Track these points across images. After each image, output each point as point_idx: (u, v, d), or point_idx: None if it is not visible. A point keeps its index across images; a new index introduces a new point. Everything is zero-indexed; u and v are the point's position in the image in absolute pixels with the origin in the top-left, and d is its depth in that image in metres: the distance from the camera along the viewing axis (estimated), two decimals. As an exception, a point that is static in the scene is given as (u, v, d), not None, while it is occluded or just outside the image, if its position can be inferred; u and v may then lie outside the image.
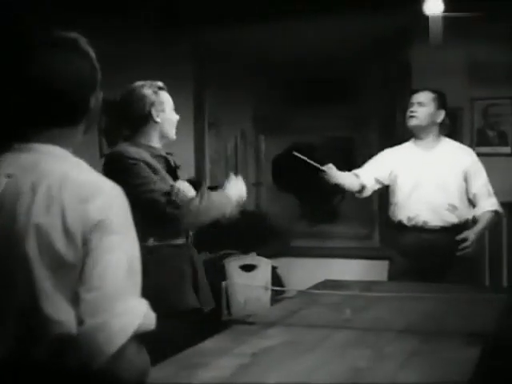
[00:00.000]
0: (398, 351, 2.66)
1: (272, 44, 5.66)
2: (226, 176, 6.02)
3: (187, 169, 5.88)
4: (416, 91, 4.32)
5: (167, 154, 3.32)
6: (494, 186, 4.34)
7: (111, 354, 1.48)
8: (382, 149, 5.54)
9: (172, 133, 3.32)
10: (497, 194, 4.39)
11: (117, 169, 3.07)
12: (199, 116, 6.02)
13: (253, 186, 6.26)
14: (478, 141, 5.39)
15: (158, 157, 3.23)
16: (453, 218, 4.18)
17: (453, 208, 4.17)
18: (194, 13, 5.63)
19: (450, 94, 5.17)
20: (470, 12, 4.95)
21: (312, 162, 3.93)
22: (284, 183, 6.21)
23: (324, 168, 4.13)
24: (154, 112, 3.22)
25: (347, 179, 4.25)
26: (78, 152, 1.95)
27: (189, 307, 3.18)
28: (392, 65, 5.61)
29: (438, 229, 4.16)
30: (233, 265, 5.01)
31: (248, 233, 5.36)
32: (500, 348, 2.92)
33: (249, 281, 4.97)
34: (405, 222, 4.22)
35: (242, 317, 3.28)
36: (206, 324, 3.15)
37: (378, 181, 4.33)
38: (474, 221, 4.17)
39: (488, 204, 4.20)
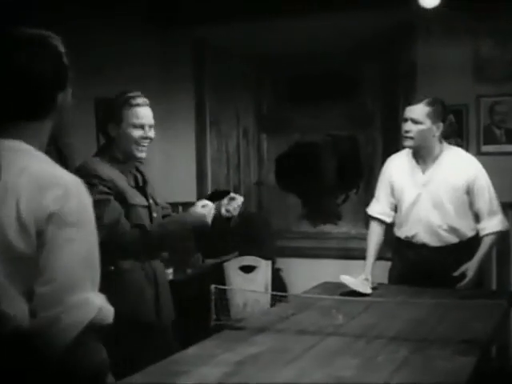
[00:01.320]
0: (387, 360, 2.56)
1: (274, 41, 5.54)
2: (228, 175, 6.03)
3: (188, 168, 5.85)
4: (410, 103, 4.01)
5: (137, 169, 3.21)
6: (501, 186, 4.18)
7: (65, 346, 1.47)
8: (385, 147, 5.50)
9: (134, 151, 3.09)
10: (504, 193, 4.25)
11: None
12: (200, 114, 5.91)
13: (255, 186, 6.18)
14: (484, 139, 5.26)
15: (126, 172, 3.14)
16: (453, 239, 3.96)
17: (452, 229, 3.95)
18: (194, 10, 5.55)
19: (455, 92, 5.09)
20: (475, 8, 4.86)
21: (356, 289, 3.67)
22: (287, 182, 6.10)
23: (368, 291, 3.73)
24: (110, 125, 3.09)
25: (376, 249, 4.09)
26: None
27: (144, 321, 3.11)
28: (396, 62, 5.46)
29: (438, 248, 3.97)
30: (232, 266, 4.92)
31: (248, 234, 5.27)
32: (496, 355, 2.81)
33: (248, 282, 4.89)
34: (403, 238, 4.08)
35: (232, 322, 3.19)
36: (194, 329, 3.07)
37: (393, 209, 4.13)
38: (479, 238, 3.95)
39: (491, 224, 3.92)
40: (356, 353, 2.66)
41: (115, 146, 3.10)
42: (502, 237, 4.07)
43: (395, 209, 4.13)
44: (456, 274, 3.74)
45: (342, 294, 3.65)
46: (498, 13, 4.94)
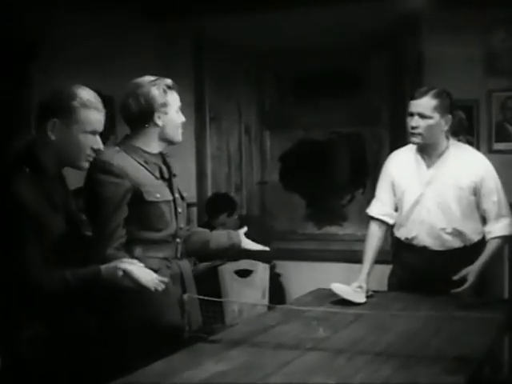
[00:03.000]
0: (367, 380, 2.32)
1: (277, 35, 5.35)
2: (229, 174, 5.83)
3: (187, 167, 5.64)
4: (414, 97, 3.63)
5: (164, 161, 3.03)
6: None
7: None
8: (392, 145, 5.24)
9: (176, 136, 3.00)
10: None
11: (90, 179, 2.85)
12: (200, 110, 5.74)
13: (257, 185, 5.98)
14: (496, 136, 5.02)
15: (151, 164, 2.95)
16: (457, 243, 3.68)
17: (457, 233, 3.67)
18: (194, 3, 5.36)
19: (465, 86, 4.88)
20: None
21: (348, 298, 3.44)
22: (291, 182, 5.89)
23: (361, 300, 3.50)
24: (156, 114, 2.92)
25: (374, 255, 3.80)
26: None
27: (169, 325, 2.89)
28: (403, 56, 5.26)
29: (440, 252, 3.70)
30: (227, 270, 4.68)
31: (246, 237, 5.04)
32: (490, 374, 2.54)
33: (244, 287, 4.66)
34: (403, 241, 3.82)
35: (209, 333, 2.97)
36: (167, 342, 2.83)
37: (395, 209, 3.84)
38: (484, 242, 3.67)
39: (497, 227, 3.63)
40: (334, 371, 2.42)
41: (154, 132, 2.93)
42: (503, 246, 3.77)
43: (396, 210, 3.86)
44: (455, 277, 3.46)
45: (334, 303, 3.42)
46: (510, 2, 4.67)
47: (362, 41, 5.34)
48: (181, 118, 3.00)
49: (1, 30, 4.27)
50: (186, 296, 2.86)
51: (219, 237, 3.25)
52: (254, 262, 4.79)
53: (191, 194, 5.67)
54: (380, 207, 3.88)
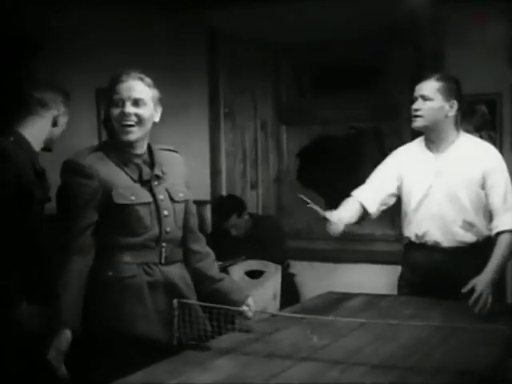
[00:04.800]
0: (358, 396, 2.14)
1: (294, 27, 5.22)
2: (244, 171, 5.67)
3: (201, 164, 5.49)
4: (419, 81, 3.53)
5: (151, 161, 2.81)
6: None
7: None
8: (412, 140, 5.04)
9: (119, 134, 2.69)
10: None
11: (61, 181, 2.69)
12: (214, 105, 5.60)
13: (273, 182, 5.83)
14: (520, 132, 4.79)
15: (131, 165, 2.75)
16: (469, 238, 3.50)
17: (469, 226, 3.48)
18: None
19: (487, 79, 4.72)
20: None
21: (316, 208, 3.40)
22: (308, 179, 5.74)
23: (327, 216, 3.49)
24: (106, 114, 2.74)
25: (346, 218, 3.62)
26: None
27: (143, 335, 2.71)
28: (423, 48, 5.09)
29: (452, 250, 3.51)
30: (237, 270, 4.52)
31: (257, 237, 4.90)
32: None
33: (254, 288, 4.49)
34: (413, 239, 3.62)
35: (199, 341, 2.80)
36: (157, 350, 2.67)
37: (384, 203, 3.70)
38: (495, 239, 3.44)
39: (504, 221, 3.41)
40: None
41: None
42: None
43: (385, 204, 3.70)
44: (464, 290, 3.24)
45: (341, 308, 3.26)
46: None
47: (382, 34, 5.20)
48: (116, 112, 2.67)
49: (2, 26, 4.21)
50: (175, 301, 2.70)
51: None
52: (265, 262, 4.64)
53: (205, 191, 5.54)
54: (368, 193, 3.73)
